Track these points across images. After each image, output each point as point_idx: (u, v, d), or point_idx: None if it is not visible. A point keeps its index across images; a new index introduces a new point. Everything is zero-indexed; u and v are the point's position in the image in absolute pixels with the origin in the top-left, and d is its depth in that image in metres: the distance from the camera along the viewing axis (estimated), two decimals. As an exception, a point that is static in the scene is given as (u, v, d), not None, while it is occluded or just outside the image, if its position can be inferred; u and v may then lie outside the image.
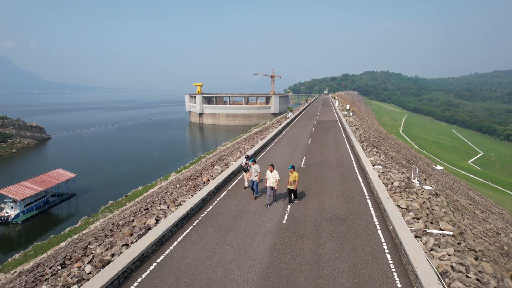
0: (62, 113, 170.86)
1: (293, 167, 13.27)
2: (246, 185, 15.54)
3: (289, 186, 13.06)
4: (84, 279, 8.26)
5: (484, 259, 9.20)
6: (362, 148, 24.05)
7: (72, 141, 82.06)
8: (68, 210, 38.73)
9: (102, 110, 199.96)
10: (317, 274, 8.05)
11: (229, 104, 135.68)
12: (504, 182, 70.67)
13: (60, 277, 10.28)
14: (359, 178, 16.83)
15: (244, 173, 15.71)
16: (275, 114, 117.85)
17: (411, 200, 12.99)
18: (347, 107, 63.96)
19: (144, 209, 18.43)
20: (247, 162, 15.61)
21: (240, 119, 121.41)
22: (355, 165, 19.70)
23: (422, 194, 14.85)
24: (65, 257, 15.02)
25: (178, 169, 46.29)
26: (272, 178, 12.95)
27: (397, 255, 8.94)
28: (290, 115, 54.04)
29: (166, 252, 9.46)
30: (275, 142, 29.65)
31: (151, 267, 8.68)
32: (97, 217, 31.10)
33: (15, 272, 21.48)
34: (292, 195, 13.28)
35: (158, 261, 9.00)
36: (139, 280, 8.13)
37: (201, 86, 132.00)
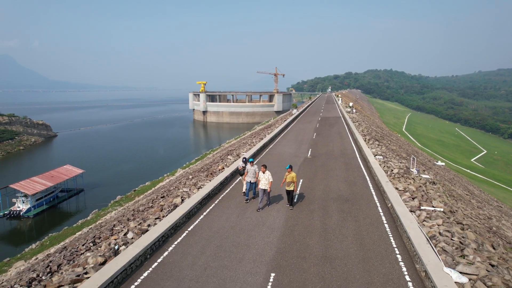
0: (67, 111, 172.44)
1: (290, 167, 12.14)
2: (244, 189, 14.02)
3: (286, 187, 12.13)
4: (128, 243, 9.77)
5: (469, 229, 10.63)
6: (365, 141, 25.47)
7: (78, 139, 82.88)
8: (76, 205, 39.51)
9: (106, 108, 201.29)
10: (325, 238, 9.54)
11: (233, 102, 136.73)
12: (506, 180, 70.70)
13: (100, 247, 11.73)
14: (362, 166, 18.32)
15: (240, 177, 14.33)
16: (278, 112, 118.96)
17: (408, 184, 14.45)
18: (350, 104, 65.26)
19: (161, 197, 19.83)
20: (244, 165, 13.98)
21: (243, 117, 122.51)
22: (357, 155, 21.20)
23: (419, 181, 16.27)
24: (94, 236, 16.46)
25: (184, 165, 47.25)
26: (264, 180, 12.00)
27: (393, 225, 10.42)
28: (295, 112, 55.44)
29: (195, 223, 11.02)
30: (282, 136, 31.17)
31: (184, 234, 10.23)
32: (108, 210, 31.81)
33: (37, 258, 22.84)
34: (289, 197, 12.24)
35: (189, 229, 10.56)
36: (175, 243, 9.67)
37: (205, 84, 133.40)
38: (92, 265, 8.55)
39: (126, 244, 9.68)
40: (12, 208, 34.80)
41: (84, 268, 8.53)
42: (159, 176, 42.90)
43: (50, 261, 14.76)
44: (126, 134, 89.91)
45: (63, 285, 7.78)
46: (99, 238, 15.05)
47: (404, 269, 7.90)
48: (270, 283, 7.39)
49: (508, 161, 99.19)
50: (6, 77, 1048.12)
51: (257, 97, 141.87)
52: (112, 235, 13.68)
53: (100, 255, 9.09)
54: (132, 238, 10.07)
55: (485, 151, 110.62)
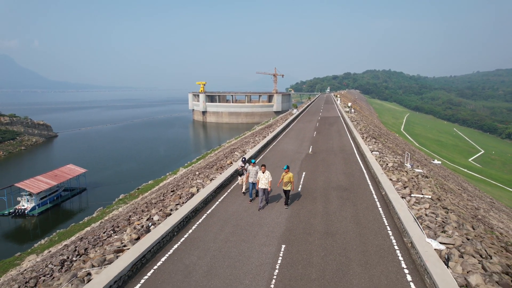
0: (67, 112, 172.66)
1: (288, 167, 12.47)
2: (243, 189, 14.21)
3: (283, 187, 12.43)
4: (155, 224, 11.20)
5: (453, 213, 12.11)
6: (362, 138, 26.99)
7: (79, 139, 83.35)
8: (79, 203, 40.09)
9: (106, 108, 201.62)
10: (327, 219, 11.04)
11: (232, 102, 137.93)
12: (503, 179, 71.45)
13: (124, 231, 13.09)
14: (359, 161, 19.84)
15: (239, 178, 14.47)
16: (277, 113, 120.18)
17: (401, 176, 15.94)
18: (349, 104, 66.82)
19: (171, 191, 21.18)
20: (243, 165, 14.16)
21: (243, 117, 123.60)
22: (356, 151, 22.74)
23: (412, 173, 17.77)
24: (112, 226, 17.78)
25: (186, 164, 48.11)
26: (264, 179, 12.25)
27: (386, 209, 11.93)
28: (295, 112, 56.93)
29: (212, 208, 12.51)
30: (283, 134, 32.68)
31: (204, 216, 11.72)
32: (113, 208, 32.44)
33: (50, 251, 24.03)
34: (286, 196, 12.57)
35: (207, 212, 12.05)
36: (197, 223, 11.16)
37: (204, 84, 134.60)
38: (128, 240, 9.99)
39: (154, 224, 11.13)
40: (17, 207, 35.24)
41: (122, 243, 9.97)
42: (160, 175, 43.63)
43: (76, 247, 16.10)
44: (126, 134, 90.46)
45: (105, 255, 9.21)
46: (118, 227, 16.36)
47: (394, 241, 9.39)
48: (281, 252, 8.88)
49: (505, 160, 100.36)
50: (5, 77, 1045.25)
51: (256, 97, 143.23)
52: (129, 224, 15.01)
53: (134, 233, 10.54)
54: (158, 220, 11.51)
55: (483, 151, 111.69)
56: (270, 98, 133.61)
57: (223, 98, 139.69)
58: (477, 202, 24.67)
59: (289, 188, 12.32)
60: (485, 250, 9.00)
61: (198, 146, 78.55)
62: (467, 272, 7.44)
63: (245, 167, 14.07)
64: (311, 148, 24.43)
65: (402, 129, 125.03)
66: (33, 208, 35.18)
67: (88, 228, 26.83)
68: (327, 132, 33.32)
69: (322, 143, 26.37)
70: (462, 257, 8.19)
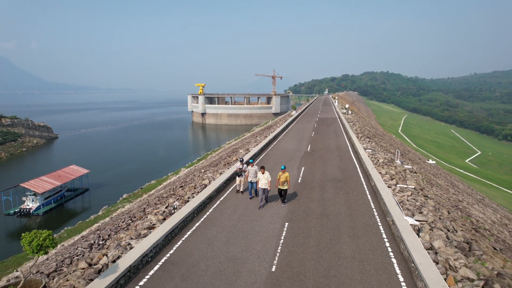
0: (65, 113, 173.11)
1: (285, 167, 13.20)
2: (241, 189, 14.75)
3: (280, 187, 13.07)
4: (176, 208, 13.05)
5: (431, 200, 14.04)
6: (357, 138, 28.95)
7: (79, 140, 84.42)
8: (82, 203, 41.10)
9: (105, 110, 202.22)
10: (323, 204, 12.97)
11: (231, 104, 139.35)
12: (499, 179, 72.57)
13: (145, 217, 14.89)
14: (353, 157, 21.84)
15: (237, 178, 14.86)
16: (276, 114, 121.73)
17: (390, 170, 17.87)
18: (346, 106, 68.88)
19: (180, 187, 22.99)
20: (241, 167, 14.64)
21: (241, 119, 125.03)
22: (350, 149, 24.75)
23: (400, 168, 19.70)
24: (130, 217, 19.53)
25: (187, 164, 49.22)
26: (264, 180, 12.87)
27: (374, 196, 13.88)
28: (294, 113, 58.94)
29: (224, 196, 14.45)
30: (284, 134, 34.69)
31: (218, 202, 13.66)
32: (117, 206, 33.58)
33: (63, 245, 25.61)
34: (283, 195, 13.22)
35: (220, 199, 13.98)
36: (213, 207, 13.11)
37: (203, 86, 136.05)
38: (157, 220, 11.86)
39: (175, 209, 12.99)
40: (22, 206, 36.03)
41: (151, 223, 11.83)
42: (162, 175, 44.79)
43: (99, 235, 17.84)
44: (126, 136, 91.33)
45: (139, 231, 11.05)
46: (134, 217, 18.10)
47: (378, 220, 11.34)
48: (285, 228, 10.81)
49: (501, 161, 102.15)
50: (2, 79, 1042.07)
51: (255, 99, 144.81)
52: (145, 215, 16.71)
53: (160, 214, 12.41)
54: (179, 205, 13.38)
55: (480, 152, 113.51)
56: (268, 100, 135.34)
57: (222, 99, 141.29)
58: (463, 196, 26.49)
59: (286, 187, 13.05)
60: (453, 227, 10.92)
61: (197, 147, 79.86)
62: (433, 240, 9.35)
63: (243, 168, 14.59)
64: (309, 146, 26.39)
65: (399, 131, 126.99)
66: (37, 208, 35.96)
67: (98, 224, 28.27)
68: (324, 132, 35.32)
69: (320, 142, 28.34)
70: (432, 230, 10.10)
